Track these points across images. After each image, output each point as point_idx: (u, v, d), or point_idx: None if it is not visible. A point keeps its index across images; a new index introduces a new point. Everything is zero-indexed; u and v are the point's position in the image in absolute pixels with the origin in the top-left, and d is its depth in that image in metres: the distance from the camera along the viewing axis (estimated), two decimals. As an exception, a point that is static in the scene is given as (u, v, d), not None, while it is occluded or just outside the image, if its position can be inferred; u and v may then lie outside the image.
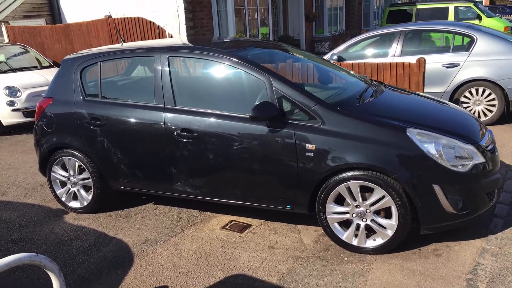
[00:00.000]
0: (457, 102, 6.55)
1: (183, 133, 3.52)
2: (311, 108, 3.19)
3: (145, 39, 8.02)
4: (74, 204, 4.25)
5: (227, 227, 3.84)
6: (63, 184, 4.28)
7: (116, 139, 3.82)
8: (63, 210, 4.35)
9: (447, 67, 6.54)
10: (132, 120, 3.72)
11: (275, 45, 4.56)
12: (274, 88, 3.28)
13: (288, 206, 3.41)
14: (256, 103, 3.22)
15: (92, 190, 4.10)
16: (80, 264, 3.37)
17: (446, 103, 3.98)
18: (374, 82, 4.20)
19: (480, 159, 3.08)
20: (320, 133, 3.14)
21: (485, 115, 6.45)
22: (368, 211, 3.15)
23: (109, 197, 4.22)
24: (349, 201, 3.19)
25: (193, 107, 3.56)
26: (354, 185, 3.12)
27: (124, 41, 4.45)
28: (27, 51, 9.16)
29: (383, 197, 3.06)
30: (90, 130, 3.90)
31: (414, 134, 3.02)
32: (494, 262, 3.02)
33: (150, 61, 3.75)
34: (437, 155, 2.96)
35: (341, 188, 3.16)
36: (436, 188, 2.96)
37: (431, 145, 2.99)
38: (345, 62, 7.08)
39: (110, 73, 4.33)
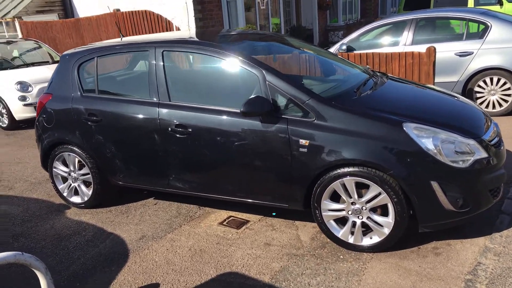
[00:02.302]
0: (471, 92, 6.32)
1: (178, 129, 3.48)
2: (305, 103, 3.10)
3: (152, 32, 8.00)
4: (76, 199, 4.28)
5: (224, 223, 3.80)
6: (65, 179, 4.31)
7: (112, 135, 3.81)
8: (65, 205, 4.39)
9: (460, 55, 6.30)
10: (128, 115, 3.70)
11: (276, 38, 4.45)
12: (267, 82, 3.20)
13: (283, 203, 3.34)
14: (250, 97, 3.14)
15: (92, 185, 4.12)
16: (76, 260, 3.39)
17: (453, 95, 3.82)
18: (377, 74, 4.07)
19: (483, 154, 2.94)
20: (314, 128, 3.04)
21: (500, 105, 6.20)
22: (364, 208, 3.06)
23: (109, 193, 4.24)
24: (344, 198, 3.09)
25: (188, 102, 3.51)
26: (349, 182, 3.02)
27: (123, 36, 4.39)
28: (39, 46, 9.27)
29: (379, 194, 2.96)
30: (87, 126, 3.90)
31: (411, 128, 2.89)
32: (497, 262, 2.89)
33: (146, 56, 3.71)
34: (435, 151, 2.84)
35: (336, 185, 3.06)
36: (434, 185, 2.84)
37: (429, 140, 2.86)
38: (354, 52, 6.91)
39: (109, 68, 4.32)
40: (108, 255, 3.42)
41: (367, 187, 3.01)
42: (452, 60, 6.34)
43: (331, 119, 3.02)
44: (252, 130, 3.22)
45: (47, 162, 4.33)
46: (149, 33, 8.22)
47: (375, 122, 2.94)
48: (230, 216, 3.90)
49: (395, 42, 6.96)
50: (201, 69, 3.73)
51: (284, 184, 3.24)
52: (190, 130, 3.43)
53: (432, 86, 4.19)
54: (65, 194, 4.32)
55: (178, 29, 8.08)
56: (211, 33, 5.35)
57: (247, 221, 3.79)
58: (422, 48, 5.87)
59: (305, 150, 3.07)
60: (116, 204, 4.31)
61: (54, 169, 4.29)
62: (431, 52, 5.60)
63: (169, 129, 3.51)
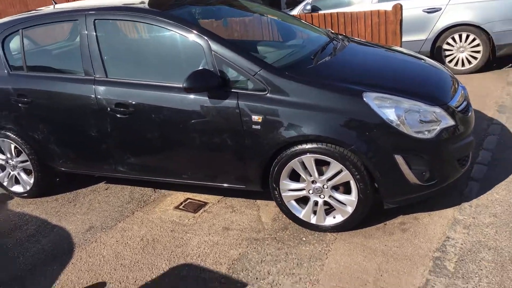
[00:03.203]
0: (440, 50, 6.09)
1: (118, 108, 3.11)
2: (256, 74, 2.77)
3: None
4: (17, 188, 3.91)
5: (181, 206, 3.52)
6: (3, 167, 3.91)
7: (45, 117, 3.42)
8: (6, 195, 4.01)
9: (428, 12, 6.01)
10: (61, 94, 3.30)
11: (228, 0, 4.02)
12: (213, 52, 2.84)
13: (239, 185, 3.07)
14: (193, 71, 2.78)
15: (33, 173, 3.74)
16: (15, 259, 3.07)
17: (419, 57, 3.55)
18: (339, 37, 3.75)
19: (449, 122, 2.70)
20: (267, 102, 2.74)
21: (470, 62, 6.00)
22: (325, 186, 2.82)
23: (53, 180, 3.88)
24: (304, 176, 2.84)
25: (128, 78, 3.13)
26: (308, 159, 2.76)
27: (56, 3, 3.89)
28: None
29: (341, 171, 2.71)
30: (18, 108, 3.48)
31: (371, 98, 2.62)
32: (466, 236, 2.73)
33: (77, 26, 3.26)
34: (398, 122, 2.58)
35: (294, 163, 2.80)
36: (398, 158, 2.60)
37: (391, 111, 2.60)
38: (319, 12, 6.53)
39: (41, 41, 3.85)
40: (51, 251, 3.11)
41: (328, 164, 2.75)
42: (419, 17, 6.05)
43: (285, 92, 2.71)
44: (200, 107, 2.89)
45: (-19, 150, 3.90)
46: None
47: (333, 93, 2.65)
48: (188, 199, 3.61)
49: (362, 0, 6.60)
50: (141, 40, 3.34)
51: (238, 165, 2.96)
52: (132, 109, 3.07)
53: (397, 47, 3.91)
54: (5, 184, 3.93)
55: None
56: None
57: (205, 203, 3.52)
58: (389, 6, 5.54)
59: (259, 127, 2.77)
60: (63, 192, 3.96)
61: (-11, 158, 3.88)
62: (398, 10, 5.29)
63: (108, 108, 3.14)
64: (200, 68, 2.85)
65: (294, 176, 2.89)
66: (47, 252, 3.10)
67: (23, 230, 3.42)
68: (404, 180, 2.66)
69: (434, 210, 3.02)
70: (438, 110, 2.69)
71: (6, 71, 3.54)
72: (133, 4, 3.23)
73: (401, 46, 5.32)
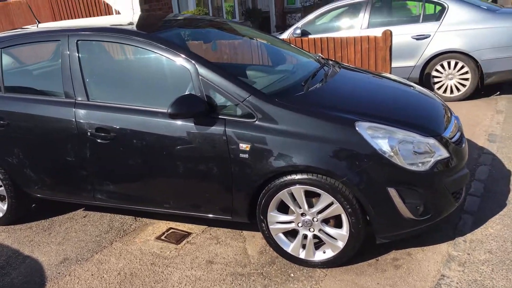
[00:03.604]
0: (428, 76, 6.09)
1: (98, 133, 2.96)
2: (244, 100, 2.65)
3: (88, 17, 7.27)
4: (-11, 215, 3.68)
5: (163, 237, 3.34)
6: (-25, 193, 3.69)
7: (22, 141, 3.24)
8: (-22, 222, 3.78)
9: (417, 38, 6.04)
10: (39, 117, 3.13)
11: (218, 24, 3.93)
12: (200, 76, 2.72)
13: (226, 215, 2.92)
14: (178, 96, 2.65)
15: (6, 199, 3.53)
16: (-20, 295, 2.84)
17: (409, 85, 3.48)
18: (330, 62, 3.67)
19: (444, 153, 2.61)
20: (255, 130, 2.61)
21: (458, 89, 6.00)
22: (315, 219, 2.68)
23: (27, 206, 3.67)
24: (293, 208, 2.70)
25: (110, 101, 2.98)
26: (298, 191, 2.62)
27: (40, 22, 3.76)
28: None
29: (332, 203, 2.58)
30: (-7, 132, 3.29)
31: (364, 128, 2.51)
32: (462, 274, 2.60)
33: (59, 46, 3.13)
34: (391, 153, 2.47)
35: (283, 194, 2.66)
36: (392, 191, 2.48)
37: (384, 141, 2.49)
38: (308, 36, 6.52)
39: (22, 61, 3.69)
40: (21, 285, 2.89)
41: (318, 195, 2.62)
42: (408, 44, 6.07)
43: (275, 120, 2.59)
44: (185, 134, 2.75)
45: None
46: (84, 17, 7.47)
47: (324, 121, 2.54)
48: (170, 228, 3.43)
49: (351, 25, 6.62)
50: (124, 62, 3.20)
51: (224, 195, 2.81)
52: (113, 134, 2.92)
53: (387, 74, 3.85)
54: (-24, 210, 3.71)
55: (118, 13, 7.39)
56: (153, 18, 4.76)
57: (189, 234, 3.34)
58: (379, 32, 5.54)
59: (246, 155, 2.63)
60: (38, 219, 3.74)
61: (-38, 181, 3.66)
62: (387, 36, 5.27)
63: (89, 133, 2.98)
64: (186, 93, 2.73)
65: (283, 208, 2.75)
66: (17, 287, 2.88)
67: (-8, 261, 3.20)
68: (397, 214, 2.54)
69: (427, 245, 2.89)
70: (432, 141, 2.59)
71: (-18, 92, 3.37)
72: (119, 25, 3.12)
73: (390, 72, 5.29)
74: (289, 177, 2.60)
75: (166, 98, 2.74)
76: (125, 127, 2.89)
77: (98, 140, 2.97)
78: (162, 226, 3.48)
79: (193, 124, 2.73)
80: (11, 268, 3.08)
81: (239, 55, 3.76)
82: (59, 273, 3.00)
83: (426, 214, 2.59)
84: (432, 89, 6.07)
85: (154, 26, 3.36)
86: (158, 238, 3.33)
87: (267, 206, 2.72)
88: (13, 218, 3.63)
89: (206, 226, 3.40)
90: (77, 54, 3.03)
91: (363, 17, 6.48)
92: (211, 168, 2.75)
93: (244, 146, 2.63)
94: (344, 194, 2.51)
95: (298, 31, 6.78)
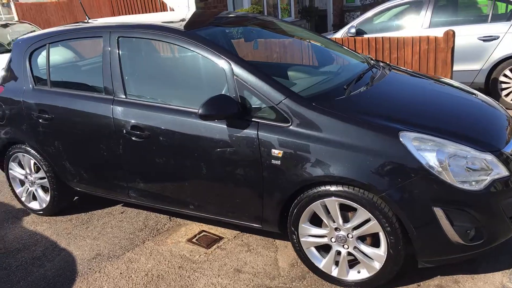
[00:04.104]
0: (495, 82, 5.56)
1: (134, 131, 2.92)
2: (280, 103, 2.49)
3: (144, 13, 7.40)
4: (34, 205, 3.81)
5: (194, 239, 3.26)
6: (23, 182, 3.83)
7: (64, 135, 3.29)
8: (24, 211, 3.93)
9: (484, 40, 5.52)
10: (80, 113, 3.16)
11: (265, 22, 3.75)
12: (235, 76, 2.60)
13: (256, 223, 2.78)
14: (211, 97, 2.54)
15: (49, 191, 3.63)
16: (15, 284, 2.91)
17: (470, 92, 3.13)
18: (381, 64, 3.41)
19: (503, 172, 2.29)
20: (289, 135, 2.44)
21: (530, 97, 5.42)
22: (350, 236, 2.46)
23: (69, 199, 3.75)
24: (326, 222, 2.50)
25: (146, 99, 2.94)
26: (332, 203, 2.42)
27: (89, 17, 3.82)
28: (34, 30, 8.83)
29: (369, 220, 2.36)
30: (39, 124, 3.38)
31: (409, 139, 2.26)
32: (517, 310, 2.27)
33: (101, 43, 3.14)
34: (439, 168, 2.20)
35: (316, 206, 2.47)
36: (438, 212, 2.21)
37: (432, 155, 2.22)
38: (363, 36, 6.20)
39: (69, 57, 3.78)
40: (53, 278, 2.94)
41: (355, 209, 2.40)
42: (474, 46, 5.57)
43: (310, 125, 2.41)
44: (216, 135, 2.64)
45: (3, 162, 3.85)
46: (140, 13, 7.62)
47: (363, 129, 2.31)
48: (202, 231, 3.35)
49: (411, 24, 6.20)
50: (161, 60, 3.15)
51: (255, 202, 2.66)
52: (147, 133, 2.87)
53: (446, 79, 3.50)
54: (23, 199, 3.85)
55: (172, 9, 7.47)
56: (203, 15, 4.71)
57: (220, 238, 3.24)
58: (441, 32, 5.12)
59: (278, 162, 2.47)
60: (79, 212, 3.82)
61: (10, 171, 3.82)
62: (450, 36, 4.85)
63: (124, 131, 2.96)
64: (220, 93, 2.61)
65: (316, 220, 2.56)
66: (48, 279, 2.92)
67: (30, 251, 3.29)
68: (443, 238, 2.26)
69: (478, 273, 2.57)
70: (489, 157, 2.28)
71: (31, 85, 3.48)
72: (164, 22, 3.06)
73: (451, 76, 4.88)
74: (323, 188, 2.40)
75: (200, 98, 2.62)
76: (159, 125, 2.83)
77: (133, 138, 2.94)
78: (195, 228, 3.41)
79: (225, 126, 2.61)
80: (47, 260, 3.15)
81: (283, 55, 3.60)
82: (90, 268, 3.01)
83: (478, 239, 2.29)
84: (499, 96, 5.54)
85: (200, 23, 3.27)
86: (189, 240, 3.26)
87: (299, 217, 2.55)
88: (55, 209, 3.72)
89: (238, 232, 3.28)
90: (117, 51, 3.02)
91: (425, 15, 6.04)
92: (242, 173, 2.62)
93: (276, 152, 2.47)
94: (382, 211, 2.28)
95: (353, 30, 6.47)
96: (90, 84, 3.27)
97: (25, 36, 3.66)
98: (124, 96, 3.00)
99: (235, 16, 3.59)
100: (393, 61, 5.20)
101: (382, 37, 5.31)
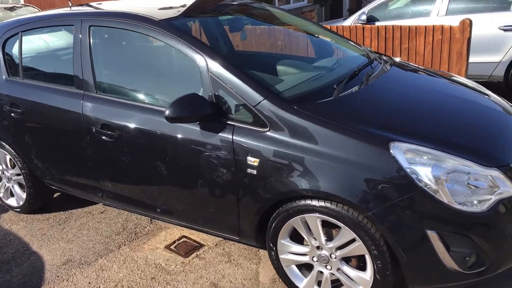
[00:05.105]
0: (516, 75, 5.12)
1: (104, 131, 2.68)
2: (257, 105, 2.20)
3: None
4: (11, 202, 3.63)
5: (173, 246, 3.03)
6: (0, 178, 3.65)
7: (34, 130, 3.08)
8: (2, 208, 3.75)
9: (505, 29, 5.07)
10: (50, 108, 2.93)
11: (253, 9, 3.42)
12: (210, 73, 2.31)
13: (233, 235, 2.52)
14: (179, 96, 2.25)
15: (25, 188, 3.43)
16: (-23, 291, 2.74)
17: (483, 92, 2.77)
18: (384, 58, 3.07)
19: (510, 190, 1.96)
20: (266, 142, 2.15)
21: (553, 93, 4.98)
22: (333, 256, 2.18)
23: (46, 197, 3.56)
24: (307, 239, 2.23)
25: (117, 96, 2.69)
26: (313, 220, 2.14)
27: (72, 4, 3.55)
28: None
29: (354, 240, 2.07)
30: (10, 118, 3.17)
31: (401, 151, 1.95)
32: None
33: (72, 32, 2.87)
34: (435, 186, 1.89)
35: (296, 222, 2.19)
36: (432, 235, 1.91)
37: (427, 170, 1.91)
38: (373, 24, 5.80)
39: (43, 47, 3.53)
40: (18, 286, 2.74)
41: (338, 227, 2.12)
42: (494, 36, 5.13)
43: (290, 132, 2.11)
44: (188, 138, 2.37)
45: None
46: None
47: (348, 138, 2.01)
48: (183, 237, 3.12)
49: (426, 11, 5.77)
50: (136, 53, 2.87)
51: (230, 212, 2.40)
52: (118, 132, 2.62)
53: (458, 77, 3.13)
54: (0, 195, 3.67)
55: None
56: (206, 2, 4.36)
57: (201, 246, 3.00)
58: (458, 20, 4.70)
59: (254, 171, 2.19)
60: (58, 209, 3.63)
61: (-13, 166, 3.63)
62: (466, 26, 4.44)
63: (94, 129, 2.72)
64: (192, 92, 2.32)
65: (297, 236, 2.28)
66: (14, 287, 2.73)
67: (0, 253, 3.10)
68: (438, 264, 1.96)
69: (480, 301, 2.27)
70: (495, 173, 1.96)
71: (4, 76, 3.26)
72: (144, 9, 2.76)
73: (466, 69, 4.48)
74: (303, 202, 2.12)
75: (174, 96, 2.34)
76: (128, 125, 2.57)
77: (103, 138, 2.69)
78: (175, 233, 3.17)
79: (198, 128, 2.33)
80: (15, 264, 2.96)
81: (272, 47, 3.28)
82: (58, 276, 2.81)
83: (478, 267, 1.98)
84: (519, 91, 5.11)
85: (187, 11, 2.94)
86: (167, 247, 3.02)
87: (277, 233, 2.28)
88: (32, 207, 3.53)
89: (221, 240, 3.04)
90: (88, 42, 2.75)
91: (441, 2, 5.61)
92: (216, 180, 2.35)
93: (252, 160, 2.18)
94: (368, 232, 1.99)
95: (364, 17, 6.07)
96: (62, 77, 3.02)
97: (-1, 24, 3.43)
98: (94, 91, 2.74)
99: (225, 4, 3.26)
100: (403, 51, 4.82)
101: (393, 26, 4.91)
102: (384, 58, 3.11)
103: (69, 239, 3.21)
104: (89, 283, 2.72)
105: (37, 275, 2.83)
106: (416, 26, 4.79)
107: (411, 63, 3.39)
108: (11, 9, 9.63)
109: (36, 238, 3.25)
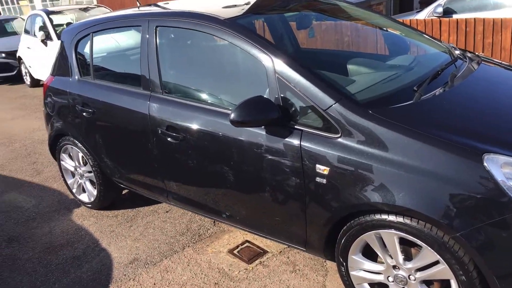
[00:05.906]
0: None
1: (169, 132, 2.65)
2: (328, 108, 2.03)
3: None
4: (84, 197, 3.76)
5: (236, 251, 2.96)
6: (73, 174, 3.80)
7: (105, 130, 3.14)
8: (75, 202, 3.90)
9: None
10: (119, 108, 2.96)
11: (322, 5, 3.23)
12: (277, 74, 2.18)
13: (299, 246, 2.38)
14: (245, 99, 2.14)
15: (96, 185, 3.53)
16: (50, 285, 2.83)
17: None
18: (469, 55, 2.77)
19: None
20: (338, 150, 1.99)
21: None
22: (412, 277, 1.97)
23: (116, 194, 3.65)
24: (382, 257, 2.03)
25: (183, 97, 2.64)
26: (389, 236, 1.95)
27: (141, 4, 3.59)
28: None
29: (437, 262, 1.85)
30: (82, 117, 3.26)
31: (497, 164, 1.69)
32: None
33: (140, 33, 2.87)
34: (539, 208, 1.62)
35: (370, 237, 2.01)
36: (534, 264, 1.65)
37: (530, 188, 1.64)
38: (451, 17, 5.36)
39: (118, 46, 3.60)
40: (87, 283, 2.81)
41: (418, 245, 1.91)
42: None
43: (365, 139, 1.93)
44: (253, 142, 2.26)
45: (55, 152, 3.83)
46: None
47: (433, 148, 1.79)
48: (246, 242, 3.04)
49: (512, 1, 5.24)
50: (203, 54, 2.80)
51: (297, 221, 2.26)
52: (183, 134, 2.58)
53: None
54: (74, 191, 3.82)
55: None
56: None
57: (264, 252, 2.90)
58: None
59: (324, 180, 2.04)
60: (126, 207, 3.71)
61: (61, 162, 3.79)
62: None
63: (160, 131, 2.70)
64: (257, 95, 2.20)
65: (370, 253, 2.10)
66: (83, 283, 2.80)
67: (73, 248, 3.21)
68: (539, 297, 1.69)
69: None
70: None
71: (76, 76, 3.36)
72: (198, 9, 2.69)
73: None
74: (378, 217, 1.93)
75: (240, 98, 2.24)
76: (193, 127, 2.52)
77: (168, 139, 2.66)
78: (238, 237, 3.10)
79: (263, 132, 2.21)
80: (85, 260, 3.04)
81: (344, 44, 3.07)
82: (125, 275, 2.84)
83: None
84: None
85: (252, 9, 2.84)
86: (231, 251, 2.96)
87: (348, 247, 2.11)
88: (102, 204, 3.64)
89: (285, 247, 2.92)
90: (155, 43, 2.74)
91: (532, -10, 5.05)
92: (282, 188, 2.22)
93: (322, 168, 2.03)
94: (456, 255, 1.76)
95: (440, 10, 5.63)
96: (129, 77, 3.05)
97: (71, 26, 3.53)
98: (160, 92, 2.72)
99: (312, 1, 3.09)
100: (487, 47, 4.39)
101: (475, 18, 4.49)
102: (469, 55, 2.80)
103: (136, 237, 3.25)
104: (154, 284, 2.72)
105: (105, 272, 2.89)
106: (502, 19, 4.35)
107: (495, 60, 3.03)
108: (85, 9, 10.14)
109: (106, 234, 3.34)
